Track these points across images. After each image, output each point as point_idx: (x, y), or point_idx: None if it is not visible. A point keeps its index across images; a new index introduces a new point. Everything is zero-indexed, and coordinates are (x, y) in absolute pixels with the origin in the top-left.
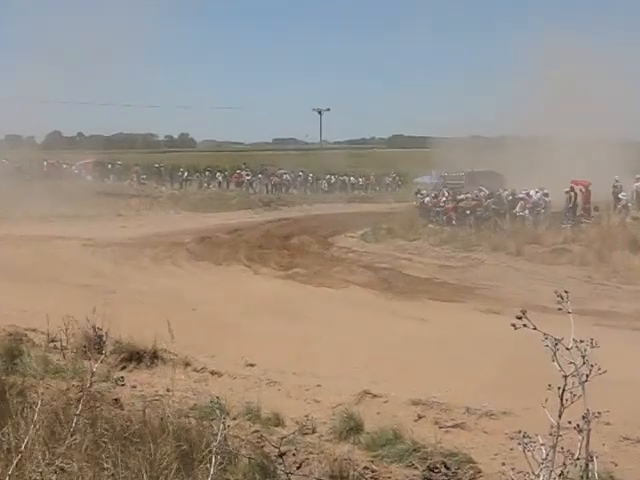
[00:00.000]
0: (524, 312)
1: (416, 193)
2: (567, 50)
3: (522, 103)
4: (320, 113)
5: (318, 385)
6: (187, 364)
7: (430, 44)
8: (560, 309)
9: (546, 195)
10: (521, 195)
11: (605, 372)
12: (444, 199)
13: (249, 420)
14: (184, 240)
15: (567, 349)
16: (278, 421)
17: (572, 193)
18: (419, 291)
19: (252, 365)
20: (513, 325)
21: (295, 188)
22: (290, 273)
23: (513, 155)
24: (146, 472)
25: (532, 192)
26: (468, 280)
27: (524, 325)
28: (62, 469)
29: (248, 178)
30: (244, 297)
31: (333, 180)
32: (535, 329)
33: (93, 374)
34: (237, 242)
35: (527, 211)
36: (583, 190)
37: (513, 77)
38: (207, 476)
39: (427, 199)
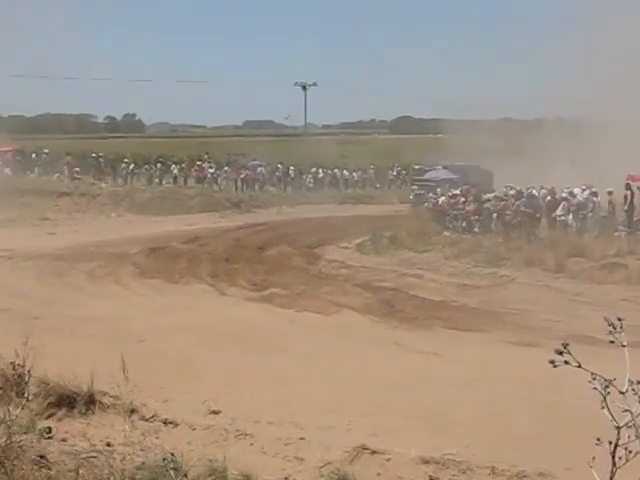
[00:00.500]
0: (566, 345)
1: (428, 192)
2: (621, 12)
3: (564, 78)
4: (304, 89)
5: (301, 438)
6: (133, 411)
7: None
8: (612, 341)
9: (594, 195)
10: (563, 194)
11: None
12: (463, 199)
13: None
14: (129, 251)
15: (621, 393)
16: None
17: (628, 192)
18: (431, 317)
19: (216, 412)
20: (552, 362)
21: (272, 185)
22: (265, 294)
23: (553, 142)
24: None
25: (577, 190)
26: (494, 303)
27: (566, 362)
28: None
29: (211, 172)
30: (207, 325)
31: (321, 174)
32: (580, 367)
33: (11, 424)
34: (198, 254)
35: (571, 215)
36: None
37: (551, 45)
38: None
39: (441, 199)
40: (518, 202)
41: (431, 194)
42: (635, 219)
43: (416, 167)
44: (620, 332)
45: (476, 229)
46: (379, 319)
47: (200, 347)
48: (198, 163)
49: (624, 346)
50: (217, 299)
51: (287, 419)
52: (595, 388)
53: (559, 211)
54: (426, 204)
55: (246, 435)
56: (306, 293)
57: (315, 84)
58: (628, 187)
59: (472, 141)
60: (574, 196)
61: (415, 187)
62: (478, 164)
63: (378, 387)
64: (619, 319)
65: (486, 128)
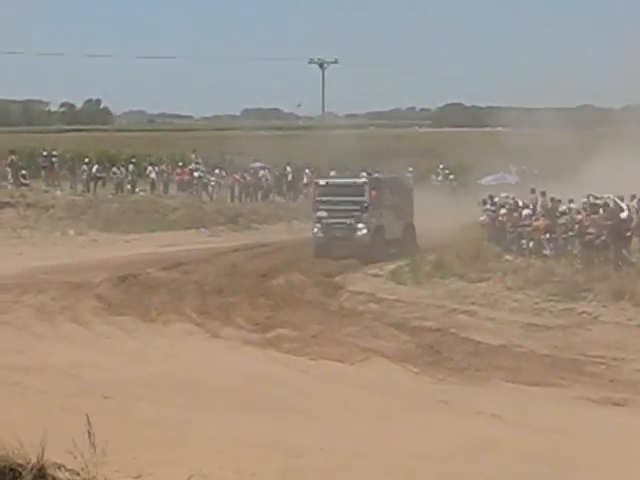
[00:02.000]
0: None
1: (483, 203)
2: None
3: None
4: (322, 67)
5: None
6: None
7: None
8: None
9: None
10: None
11: None
12: (528, 212)
13: None
14: (92, 280)
15: None
16: None
17: None
18: (488, 367)
19: None
20: None
21: (279, 193)
22: (271, 337)
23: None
24: None
25: None
26: (572, 349)
27: None
28: None
29: (199, 175)
30: (193, 377)
31: None
32: None
33: None
34: (181, 284)
35: None
36: None
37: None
38: None
39: (502, 212)
40: (600, 216)
41: (488, 205)
42: None
43: (321, 182)
44: None
45: (547, 251)
46: (420, 370)
47: (184, 407)
48: (180, 165)
49: None
50: (207, 343)
51: None
52: None
53: None
54: (482, 218)
55: None
56: (323, 335)
57: (336, 61)
58: None
59: (542, 135)
60: None
61: (323, 213)
62: (399, 175)
63: (420, 460)
64: None
65: (560, 118)
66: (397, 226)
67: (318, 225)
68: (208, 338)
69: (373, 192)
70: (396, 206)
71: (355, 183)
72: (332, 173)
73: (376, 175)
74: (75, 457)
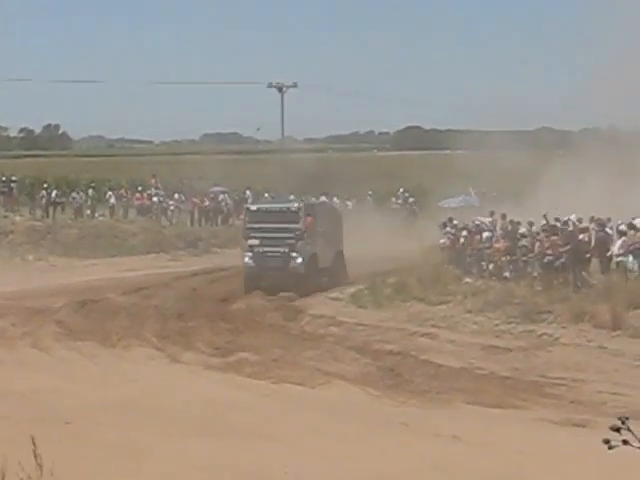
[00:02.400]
0: (624, 420)
1: (443, 226)
2: None
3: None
4: (281, 91)
5: None
6: None
7: None
8: None
9: None
10: (621, 227)
11: None
12: (488, 234)
13: None
14: (52, 305)
15: None
16: None
17: None
18: (449, 390)
19: None
20: (606, 442)
21: (239, 217)
22: (232, 361)
23: (605, 159)
24: None
25: (638, 222)
26: (533, 371)
27: (625, 442)
28: None
29: (159, 200)
30: (154, 403)
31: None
32: None
33: None
34: (141, 309)
35: (631, 256)
36: None
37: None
38: None
39: (463, 234)
40: (559, 238)
41: (448, 228)
42: None
43: (252, 207)
44: None
45: (507, 274)
46: (381, 393)
47: (145, 432)
48: (140, 189)
49: None
50: (168, 368)
51: None
52: None
53: (617, 249)
54: (442, 241)
55: None
56: (285, 359)
57: (295, 85)
58: None
59: (501, 157)
60: (636, 230)
61: (254, 241)
62: (327, 200)
63: None
64: None
65: (519, 141)
66: (329, 253)
67: (249, 254)
68: (169, 363)
69: (309, 218)
70: (328, 233)
71: (289, 209)
72: (266, 196)
73: (309, 201)
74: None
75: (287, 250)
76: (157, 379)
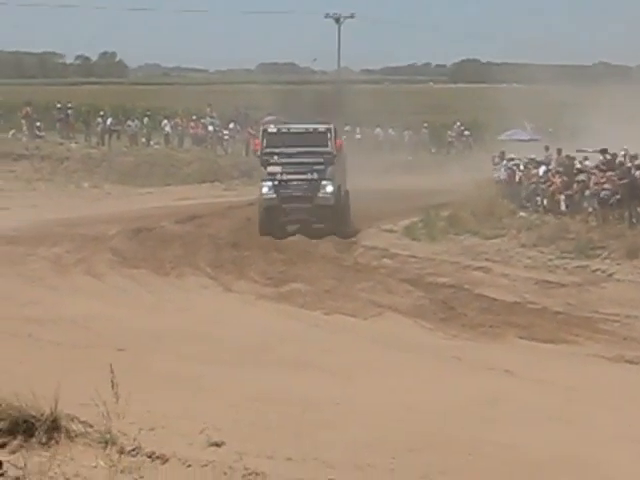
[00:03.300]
0: None
1: (499, 159)
2: None
3: None
4: (338, 22)
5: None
6: (110, 442)
7: None
8: None
9: None
10: None
11: None
12: (544, 169)
13: None
14: (106, 233)
15: None
16: None
17: None
18: (502, 324)
19: (219, 444)
20: None
21: None
22: (284, 291)
23: None
24: None
25: None
26: (586, 306)
27: None
28: None
29: (214, 129)
30: (207, 331)
31: (358, 135)
32: None
33: None
34: (195, 237)
35: None
36: None
37: None
38: None
39: (519, 168)
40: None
41: (504, 162)
42: None
43: (271, 129)
44: None
45: (563, 208)
46: (433, 326)
47: (198, 360)
48: (194, 118)
49: None
50: (221, 297)
51: (311, 455)
52: None
53: None
54: (497, 175)
55: (257, 475)
56: (337, 290)
57: (352, 16)
58: None
59: (556, 91)
60: None
61: (275, 168)
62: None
63: (432, 415)
64: None
65: (576, 75)
66: (342, 190)
67: (268, 184)
68: (222, 292)
69: (338, 141)
70: (341, 167)
71: (316, 130)
72: (268, 119)
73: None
74: (97, 405)
75: (316, 177)
76: (210, 308)
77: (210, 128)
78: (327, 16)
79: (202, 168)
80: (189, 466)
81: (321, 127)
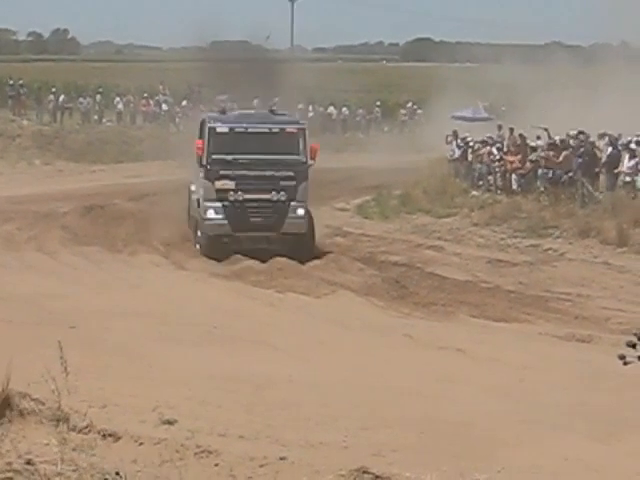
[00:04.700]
0: None
1: (450, 139)
2: None
3: None
4: (291, 0)
5: (282, 458)
6: (62, 419)
7: None
8: None
9: None
10: (632, 145)
11: None
12: (498, 147)
13: None
14: (58, 210)
15: None
16: None
17: None
18: (454, 302)
19: (171, 422)
20: (622, 358)
21: None
22: (237, 269)
23: (615, 75)
24: None
25: None
26: (537, 285)
27: None
28: None
29: (167, 107)
30: (159, 308)
31: (311, 113)
32: None
33: None
34: (148, 215)
35: None
36: None
37: None
38: None
39: (473, 148)
40: (569, 153)
41: (458, 141)
42: None
43: (220, 128)
44: None
45: (515, 187)
46: (385, 304)
47: (150, 337)
48: (146, 96)
49: None
50: (173, 274)
51: (264, 432)
52: None
53: (626, 167)
54: (449, 154)
55: (210, 453)
56: (290, 269)
57: None
58: None
59: (509, 71)
60: None
61: (227, 183)
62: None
63: (384, 393)
64: None
65: (528, 55)
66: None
67: (217, 205)
68: (174, 269)
69: (312, 145)
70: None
71: (284, 131)
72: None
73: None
74: (48, 383)
75: (283, 197)
76: (162, 286)
77: (164, 106)
78: None
79: (154, 146)
80: (141, 444)
81: (290, 127)
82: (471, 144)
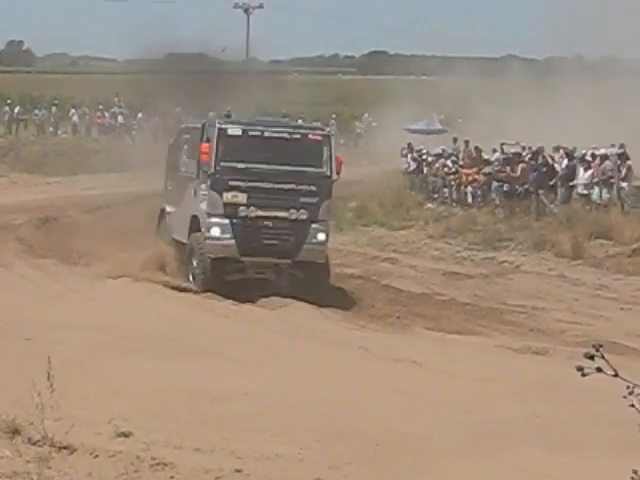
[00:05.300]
0: (598, 347)
1: (405, 152)
2: None
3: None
4: (247, 12)
5: (237, 470)
6: (15, 431)
7: None
8: None
9: (623, 157)
10: (587, 157)
11: None
12: (453, 160)
13: None
14: (13, 222)
15: None
16: None
17: None
18: (409, 315)
19: (126, 435)
20: (580, 369)
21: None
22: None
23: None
24: None
25: (603, 151)
26: (493, 298)
27: (598, 370)
28: None
29: (122, 119)
30: (114, 321)
31: None
32: (617, 376)
33: None
34: (103, 227)
35: (596, 187)
36: None
37: None
38: None
39: (427, 160)
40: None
41: (414, 154)
42: None
43: (232, 130)
44: None
45: (470, 200)
46: (341, 316)
47: (105, 350)
48: (100, 108)
49: None
50: (128, 287)
51: (219, 445)
52: (632, 405)
53: (582, 179)
54: (405, 166)
55: (165, 465)
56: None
57: (261, 6)
58: None
59: (464, 84)
60: (602, 159)
61: (237, 196)
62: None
63: (340, 406)
64: None
65: (484, 68)
66: None
67: (224, 222)
68: (130, 281)
69: (339, 157)
70: None
71: (306, 137)
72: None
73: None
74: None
75: (304, 216)
76: (118, 298)
77: (119, 118)
78: (236, 6)
79: (110, 158)
80: (96, 456)
81: (314, 133)
82: (425, 157)
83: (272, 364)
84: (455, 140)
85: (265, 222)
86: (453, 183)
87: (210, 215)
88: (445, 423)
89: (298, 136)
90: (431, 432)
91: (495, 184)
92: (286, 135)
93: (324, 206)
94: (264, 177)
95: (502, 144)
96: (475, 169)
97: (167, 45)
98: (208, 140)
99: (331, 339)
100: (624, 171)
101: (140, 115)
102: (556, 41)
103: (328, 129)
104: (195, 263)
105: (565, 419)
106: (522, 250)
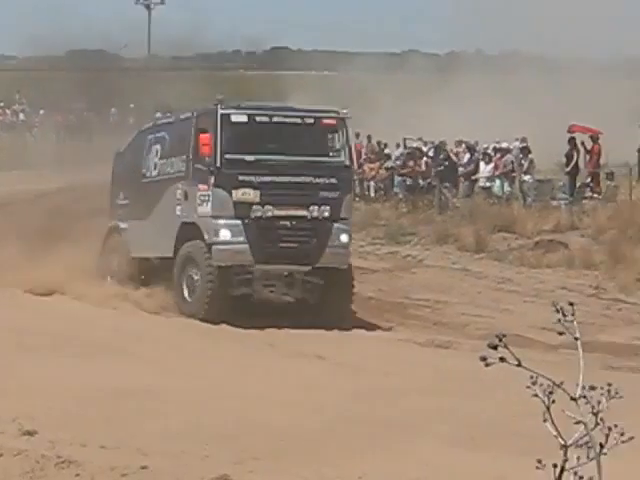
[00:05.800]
0: (502, 337)
1: None
2: None
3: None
4: (148, 8)
5: (143, 467)
6: None
7: None
8: (561, 333)
9: (525, 150)
10: (489, 150)
11: (632, 439)
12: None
13: None
14: None
15: (572, 399)
16: None
17: (573, 150)
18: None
19: (31, 433)
20: (483, 359)
21: (105, 132)
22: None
23: (471, 82)
24: None
25: (505, 145)
26: (397, 292)
27: (501, 359)
28: None
29: (24, 116)
30: (18, 321)
31: None
32: (520, 365)
33: None
34: (5, 226)
35: (498, 180)
36: (588, 144)
37: None
38: None
39: None
40: (428, 160)
41: None
42: (578, 185)
43: (237, 117)
44: (571, 320)
45: (372, 194)
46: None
47: (8, 349)
48: (1, 105)
49: (577, 339)
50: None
51: (125, 442)
52: (536, 395)
53: (482, 173)
54: None
55: (70, 463)
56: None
57: (163, 2)
58: (572, 142)
59: (365, 79)
60: (503, 152)
61: (249, 193)
62: None
63: (245, 402)
64: (571, 304)
65: (386, 63)
66: None
67: (235, 223)
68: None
69: (357, 145)
70: None
71: (320, 121)
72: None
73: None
74: None
75: (326, 214)
76: (20, 298)
77: (21, 115)
78: (137, 2)
79: (12, 155)
80: (1, 455)
81: (328, 116)
82: None
83: (177, 362)
84: (357, 135)
85: (282, 222)
86: (356, 178)
87: (216, 217)
88: (351, 417)
89: (311, 120)
90: (336, 426)
91: (398, 179)
92: (298, 120)
93: (346, 200)
94: (278, 170)
95: (405, 139)
96: (378, 164)
97: (68, 42)
98: (203, 131)
99: (237, 336)
100: (526, 164)
101: (42, 112)
102: (456, 36)
103: (344, 111)
104: (196, 276)
105: (470, 411)
106: (425, 244)
